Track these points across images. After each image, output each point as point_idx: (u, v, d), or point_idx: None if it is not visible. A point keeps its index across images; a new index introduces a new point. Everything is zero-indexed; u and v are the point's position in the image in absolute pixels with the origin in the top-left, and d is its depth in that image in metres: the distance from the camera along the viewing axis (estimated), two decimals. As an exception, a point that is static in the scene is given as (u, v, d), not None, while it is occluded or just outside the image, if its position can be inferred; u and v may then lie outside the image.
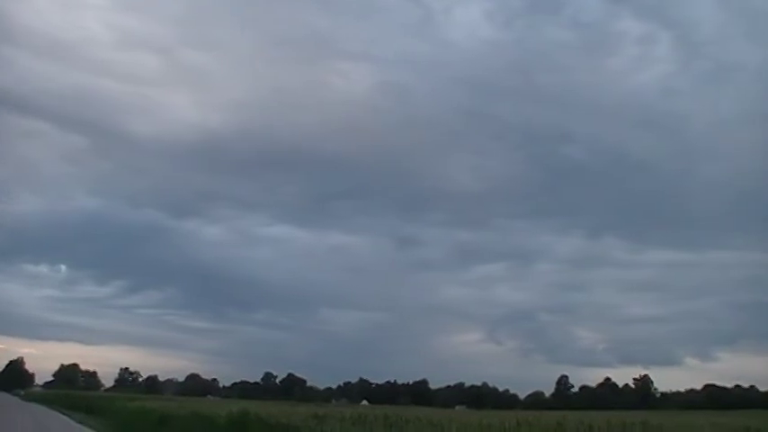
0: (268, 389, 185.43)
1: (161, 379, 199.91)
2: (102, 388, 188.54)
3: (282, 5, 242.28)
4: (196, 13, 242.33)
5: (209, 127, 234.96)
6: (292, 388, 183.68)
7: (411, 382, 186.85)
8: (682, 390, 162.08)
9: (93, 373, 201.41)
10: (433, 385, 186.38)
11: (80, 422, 50.55)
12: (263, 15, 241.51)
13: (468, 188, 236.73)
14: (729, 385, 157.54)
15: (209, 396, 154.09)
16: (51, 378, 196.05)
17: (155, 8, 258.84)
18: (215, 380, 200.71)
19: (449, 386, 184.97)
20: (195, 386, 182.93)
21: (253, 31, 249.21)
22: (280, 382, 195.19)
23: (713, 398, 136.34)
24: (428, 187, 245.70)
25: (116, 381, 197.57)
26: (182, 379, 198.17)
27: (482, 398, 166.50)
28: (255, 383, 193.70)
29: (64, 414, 64.22)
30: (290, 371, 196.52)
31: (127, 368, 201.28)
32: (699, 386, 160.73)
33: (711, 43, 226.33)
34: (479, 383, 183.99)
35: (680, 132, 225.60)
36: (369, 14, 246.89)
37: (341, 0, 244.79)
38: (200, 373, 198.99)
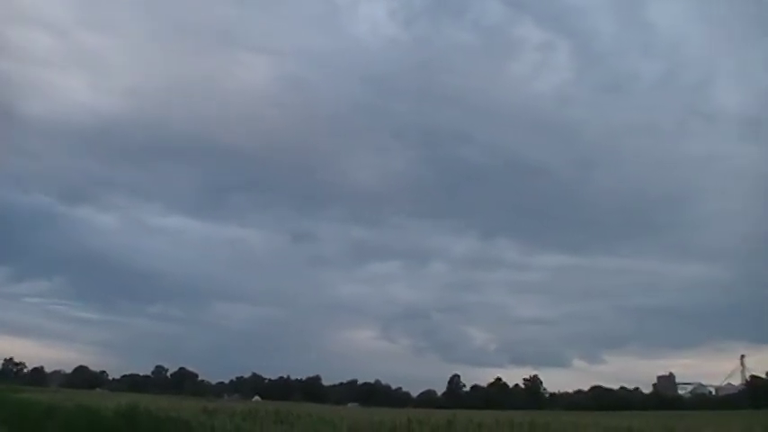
0: (159, 382, 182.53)
1: (47, 371, 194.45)
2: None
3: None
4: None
5: (105, 112, 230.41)
6: (184, 382, 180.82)
7: (304, 379, 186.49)
8: (570, 391, 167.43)
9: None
10: (326, 382, 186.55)
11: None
12: (165, 1, 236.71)
13: (366, 185, 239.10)
14: (615, 387, 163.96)
15: (97, 389, 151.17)
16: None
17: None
18: (104, 372, 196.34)
19: (342, 383, 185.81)
20: (83, 378, 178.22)
21: (153, 17, 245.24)
22: (171, 375, 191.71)
23: (599, 399, 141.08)
24: (326, 183, 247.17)
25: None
26: (69, 371, 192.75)
27: (375, 395, 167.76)
28: (146, 377, 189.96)
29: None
30: (182, 364, 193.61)
31: (11, 359, 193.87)
32: (586, 387, 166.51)
33: (608, 54, 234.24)
34: (372, 381, 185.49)
35: (575, 139, 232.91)
36: (272, 6, 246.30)
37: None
38: (88, 366, 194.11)
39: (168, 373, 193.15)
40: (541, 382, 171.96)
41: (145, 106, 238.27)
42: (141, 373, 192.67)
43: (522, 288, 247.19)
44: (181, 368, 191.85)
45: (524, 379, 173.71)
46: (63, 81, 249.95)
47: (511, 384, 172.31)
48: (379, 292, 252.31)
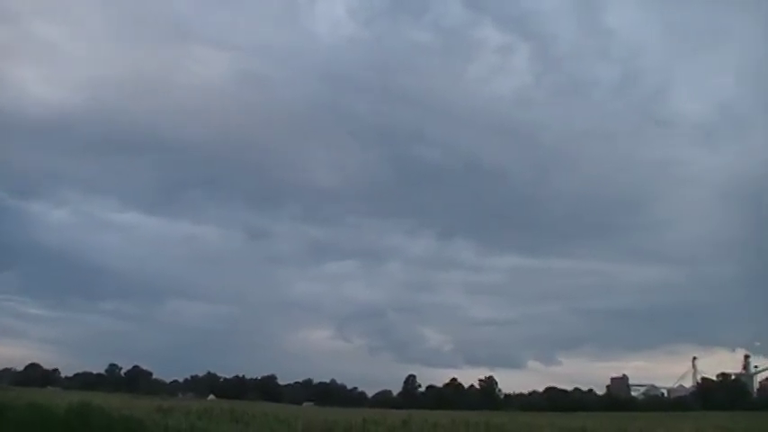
0: (112, 381, 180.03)
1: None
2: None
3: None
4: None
5: (58, 104, 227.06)
6: (137, 380, 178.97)
7: (260, 378, 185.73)
8: (524, 392, 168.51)
9: None
10: (281, 381, 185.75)
11: None
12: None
13: (323, 184, 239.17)
14: (569, 388, 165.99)
15: (49, 387, 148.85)
16: None
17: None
18: (56, 370, 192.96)
19: (297, 382, 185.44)
20: (35, 376, 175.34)
21: (110, 8, 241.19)
22: (124, 373, 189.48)
23: (554, 400, 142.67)
24: (282, 181, 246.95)
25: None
26: (20, 368, 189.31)
27: (330, 395, 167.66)
28: (99, 375, 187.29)
29: None
30: (136, 362, 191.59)
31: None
32: (541, 388, 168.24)
33: (567, 58, 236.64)
34: (328, 380, 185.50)
35: (532, 142, 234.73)
36: (230, 2, 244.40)
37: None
38: (40, 363, 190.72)
39: (122, 372, 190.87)
40: (496, 383, 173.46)
41: (100, 100, 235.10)
42: (94, 371, 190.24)
43: (478, 289, 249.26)
44: (135, 366, 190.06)
45: (479, 379, 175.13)
46: (16, 71, 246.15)
47: (466, 385, 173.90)
48: (335, 292, 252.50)
